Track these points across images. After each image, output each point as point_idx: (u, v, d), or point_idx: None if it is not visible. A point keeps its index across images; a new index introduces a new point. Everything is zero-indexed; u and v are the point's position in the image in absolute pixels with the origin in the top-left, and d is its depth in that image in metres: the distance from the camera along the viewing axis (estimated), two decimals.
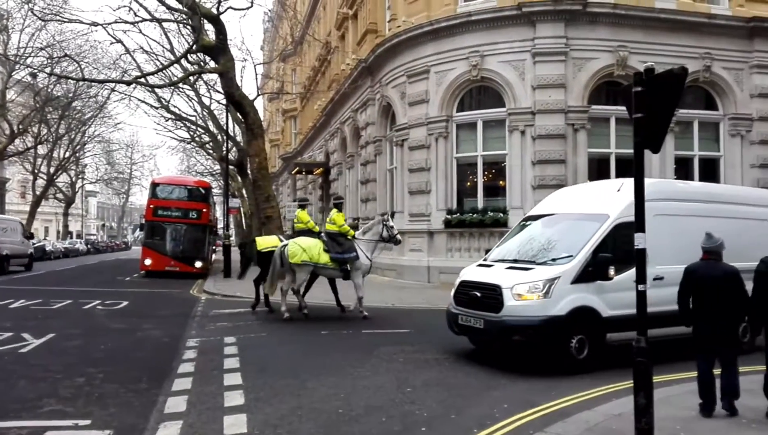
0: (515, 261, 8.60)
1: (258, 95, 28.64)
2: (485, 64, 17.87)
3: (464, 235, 18.06)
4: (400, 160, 20.47)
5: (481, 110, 18.62)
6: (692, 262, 6.46)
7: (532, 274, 8.00)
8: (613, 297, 7.90)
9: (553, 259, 8.19)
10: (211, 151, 42.92)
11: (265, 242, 12.97)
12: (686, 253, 7.69)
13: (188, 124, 39.73)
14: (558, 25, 17.22)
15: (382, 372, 7.63)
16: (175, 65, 26.05)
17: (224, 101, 25.18)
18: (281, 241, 12.66)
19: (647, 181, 9.79)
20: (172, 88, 30.26)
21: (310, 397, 6.45)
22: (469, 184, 19.04)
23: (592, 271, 7.88)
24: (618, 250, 8.01)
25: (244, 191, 41.70)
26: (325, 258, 11.71)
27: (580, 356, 7.83)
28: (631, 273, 6.75)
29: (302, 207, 13.09)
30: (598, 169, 18.09)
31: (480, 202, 18.22)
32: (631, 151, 5.11)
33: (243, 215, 48.67)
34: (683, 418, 5.72)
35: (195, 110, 38.80)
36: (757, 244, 8.67)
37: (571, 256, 8.03)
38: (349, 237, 12.10)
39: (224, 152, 30.08)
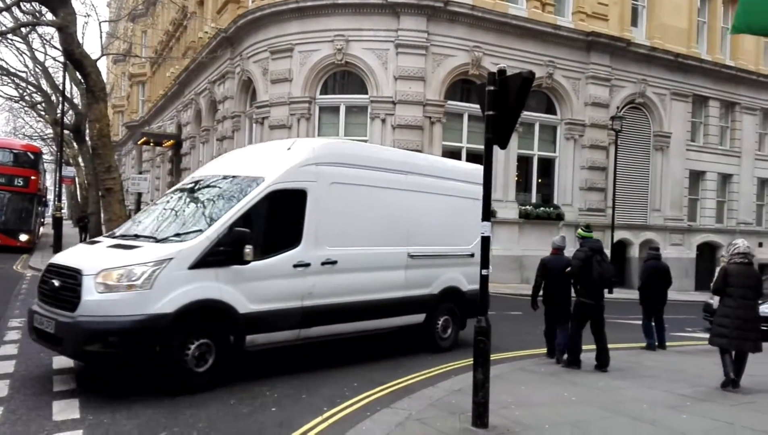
0: (136, 236, 6.44)
1: (102, 55, 26.12)
2: (350, 49, 17.96)
3: None
4: (260, 139, 19.93)
5: (345, 95, 18.71)
6: (376, 243, 7.36)
7: (133, 254, 5.76)
8: (258, 287, 6.17)
9: (177, 235, 6.13)
10: (43, 113, 38.49)
11: None
12: (370, 233, 7.27)
13: (17, 81, 35.23)
14: (420, 19, 17.78)
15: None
16: (5, 13, 22.92)
17: (62, 59, 22.68)
18: None
19: (314, 140, 9.35)
20: (0, 38, 26.61)
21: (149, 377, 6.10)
22: None
23: (226, 252, 5.91)
24: (271, 225, 6.51)
25: (80, 159, 38.00)
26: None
27: (200, 368, 5.80)
28: (288, 256, 6.46)
29: None
30: None
31: None
32: (481, 146, 5.44)
33: (79, 186, 44.48)
34: (513, 392, 6.27)
35: (26, 65, 34.45)
36: (466, 225, 8.40)
37: (200, 230, 6.03)
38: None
39: (59, 115, 27.17)
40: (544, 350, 8.56)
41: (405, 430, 4.98)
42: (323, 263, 6.77)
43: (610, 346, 7.85)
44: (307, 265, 6.61)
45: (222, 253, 5.93)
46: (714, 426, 5.52)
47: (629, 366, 8.11)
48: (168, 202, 7.25)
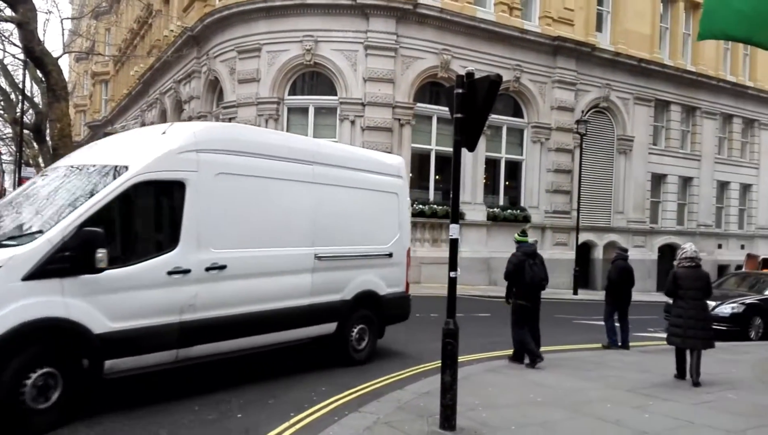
0: None
1: (64, 53, 25.43)
2: (319, 50, 17.87)
3: None
4: None
5: (314, 96, 18.60)
6: (275, 244, 6.43)
7: None
8: (120, 300, 5.11)
9: (12, 238, 4.97)
10: (1, 112, 37.29)
11: None
12: (267, 232, 6.39)
13: None
14: (390, 21, 17.81)
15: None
16: None
17: (22, 56, 22.02)
18: None
19: (196, 123, 8.16)
20: None
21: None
22: None
23: (73, 259, 4.80)
24: (137, 224, 5.60)
25: (40, 160, 36.82)
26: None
27: (42, 405, 4.67)
28: (161, 261, 5.41)
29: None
30: (420, 163, 19.15)
31: None
32: (450, 148, 5.45)
33: None
34: (481, 394, 6.29)
35: None
36: (383, 223, 7.91)
37: (40, 232, 4.90)
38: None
39: (18, 114, 26.37)
40: (512, 351, 8.61)
41: (373, 434, 4.95)
42: (208, 269, 5.72)
43: (574, 346, 8.06)
44: (187, 271, 5.55)
45: (68, 260, 4.76)
46: (676, 425, 5.64)
47: (594, 367, 8.22)
48: (12, 199, 6.02)
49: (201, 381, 6.37)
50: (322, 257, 7.02)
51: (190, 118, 22.46)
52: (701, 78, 24.40)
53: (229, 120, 19.31)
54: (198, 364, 6.04)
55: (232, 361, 6.83)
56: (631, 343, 10.21)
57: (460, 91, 5.12)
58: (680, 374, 7.47)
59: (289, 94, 18.55)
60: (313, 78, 18.85)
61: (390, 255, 8.02)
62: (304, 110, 18.47)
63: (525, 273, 7.97)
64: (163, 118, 26.90)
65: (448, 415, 5.04)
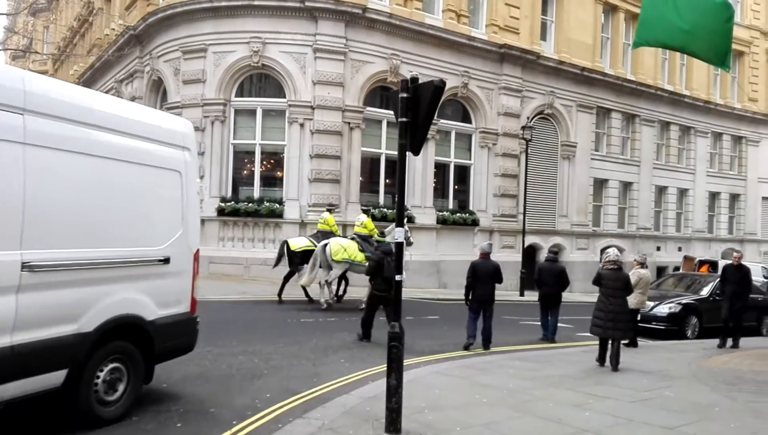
0: None
1: None
2: (267, 52, 17.64)
3: (238, 224, 17.63)
4: None
5: (262, 98, 18.34)
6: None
7: None
8: None
9: None
10: None
11: (297, 243, 13.91)
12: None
13: None
14: (339, 24, 17.76)
15: None
16: None
17: None
18: (311, 241, 13.75)
19: None
20: None
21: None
22: (245, 172, 18.63)
23: None
24: None
25: None
26: (360, 257, 12.87)
27: None
28: None
29: (330, 211, 14.70)
30: (370, 167, 19.16)
31: (257, 192, 17.95)
32: None
33: None
34: (427, 396, 6.31)
35: None
36: (154, 213, 5.61)
37: None
38: (374, 239, 13.47)
39: None
40: (460, 352, 8.77)
41: None
42: None
43: (520, 347, 8.30)
44: None
45: None
46: (615, 422, 5.80)
47: (538, 367, 8.40)
48: None
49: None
50: (37, 267, 4.47)
51: None
52: (641, 87, 25.36)
53: None
54: None
55: (168, 365, 6.62)
56: (576, 343, 10.53)
57: (404, 95, 5.14)
58: (601, 361, 8.55)
59: (236, 96, 18.23)
60: (261, 80, 18.59)
61: (166, 260, 5.65)
62: (251, 112, 18.19)
63: (384, 269, 9.39)
64: None
65: (393, 418, 5.03)
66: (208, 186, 17.86)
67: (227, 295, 13.86)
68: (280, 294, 13.54)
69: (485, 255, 10.06)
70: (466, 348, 9.49)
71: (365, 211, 14.60)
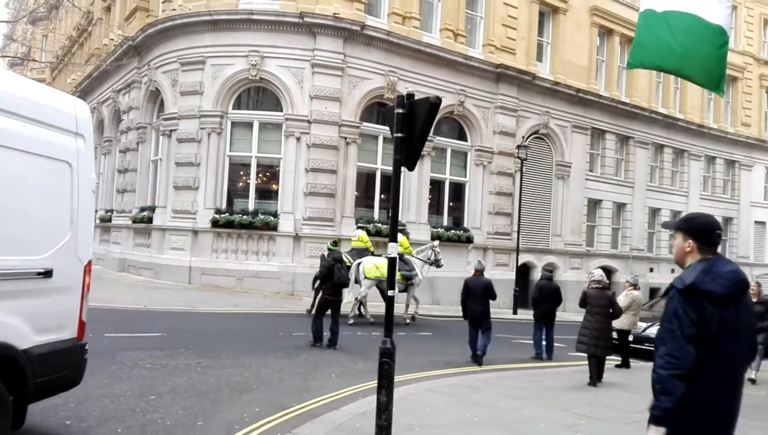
0: None
1: None
2: (265, 66, 17.72)
3: (232, 236, 17.58)
4: (167, 152, 19.17)
5: (259, 111, 18.39)
6: None
7: None
8: None
9: None
10: None
11: None
12: None
13: None
14: (337, 40, 17.88)
15: (124, 379, 6.97)
16: None
17: None
18: (347, 259, 13.74)
19: None
20: None
21: (31, 408, 5.57)
22: (241, 184, 18.61)
23: None
24: None
25: None
26: (396, 275, 12.68)
27: None
28: None
29: (362, 228, 15.62)
30: (366, 182, 19.19)
31: (251, 204, 17.93)
32: None
33: None
34: (418, 414, 6.26)
35: None
36: (30, 213, 4.32)
37: None
38: (407, 257, 14.22)
39: None
40: (450, 370, 8.72)
41: None
42: None
43: (512, 365, 8.24)
44: None
45: None
46: None
47: (530, 385, 8.36)
48: None
49: (125, 402, 6.06)
50: None
51: (128, 129, 21.80)
52: (635, 109, 25.58)
53: (170, 132, 18.86)
54: (123, 381, 5.76)
55: (158, 377, 6.56)
56: (568, 362, 10.49)
57: (400, 111, 5.16)
58: (592, 381, 8.77)
59: (234, 109, 18.28)
60: (258, 93, 18.66)
61: (47, 274, 4.44)
62: (248, 125, 18.22)
63: (334, 274, 10.16)
64: (100, 128, 25.98)
65: None
66: (203, 198, 17.84)
67: (219, 308, 13.78)
68: (312, 308, 13.62)
69: (478, 272, 10.45)
70: (475, 361, 9.92)
71: (401, 231, 15.39)
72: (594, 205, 24.87)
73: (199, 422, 5.66)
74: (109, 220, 23.14)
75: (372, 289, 13.72)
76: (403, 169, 5.32)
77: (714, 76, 7.13)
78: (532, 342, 11.36)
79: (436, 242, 16.11)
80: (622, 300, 10.68)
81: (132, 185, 21.36)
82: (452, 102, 19.78)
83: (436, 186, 20.40)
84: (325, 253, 14.20)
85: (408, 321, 14.11)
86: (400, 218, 18.90)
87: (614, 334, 9.81)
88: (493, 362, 10.08)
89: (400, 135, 5.13)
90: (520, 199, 20.37)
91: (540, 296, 11.29)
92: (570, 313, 19.17)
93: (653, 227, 27.18)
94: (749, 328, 2.91)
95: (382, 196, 19.15)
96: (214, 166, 17.91)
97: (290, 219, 17.48)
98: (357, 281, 13.50)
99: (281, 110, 17.93)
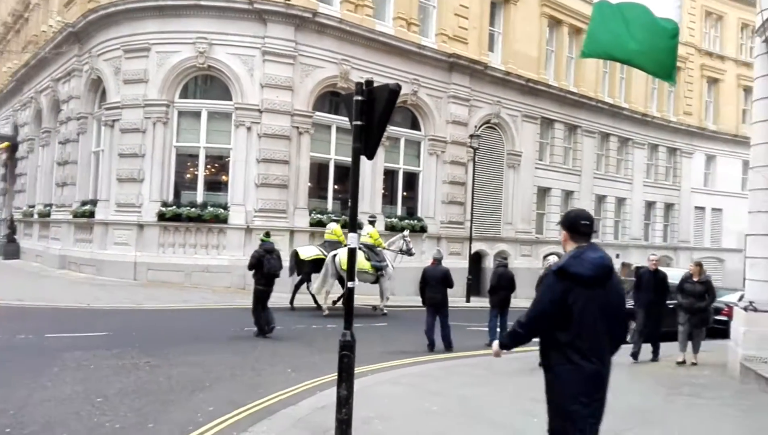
0: None
1: None
2: (213, 53, 17.18)
3: (180, 229, 17.04)
4: (109, 143, 18.39)
5: (207, 100, 17.84)
6: None
7: None
8: None
9: None
10: None
11: (307, 252, 14.47)
12: None
13: None
14: (288, 28, 17.50)
15: (68, 381, 6.62)
16: None
17: None
18: (321, 250, 14.31)
19: None
20: None
21: None
22: (189, 176, 18.05)
23: None
24: None
25: None
26: (367, 266, 13.85)
27: None
28: None
29: (336, 221, 15.71)
30: (318, 173, 18.93)
31: (200, 196, 17.41)
32: (349, 158, 5.33)
33: None
34: (377, 406, 6.18)
35: None
36: None
37: None
38: (378, 249, 14.56)
39: None
40: (407, 360, 8.69)
41: None
42: None
43: (468, 353, 8.31)
44: None
45: None
46: None
47: (485, 373, 8.41)
48: None
49: (70, 405, 5.74)
50: None
51: (68, 120, 20.84)
52: (582, 99, 26.14)
53: (113, 122, 18.11)
54: (67, 384, 5.45)
55: (104, 378, 6.27)
56: (525, 349, 10.59)
57: (359, 98, 5.02)
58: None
59: (180, 98, 17.67)
60: (206, 81, 18.10)
61: None
62: (196, 114, 17.66)
63: (264, 265, 10.27)
64: (38, 118, 24.76)
65: (343, 430, 4.88)
66: (148, 190, 17.23)
67: (167, 304, 13.36)
68: (291, 301, 14.13)
69: (436, 261, 10.70)
70: (431, 350, 10.14)
71: (371, 222, 15.47)
72: (543, 193, 25.35)
73: (150, 424, 5.42)
74: (48, 214, 22.11)
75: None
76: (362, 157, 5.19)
77: (666, 67, 7.30)
78: (486, 329, 11.46)
79: (407, 232, 16.36)
80: None
81: (72, 178, 20.44)
82: (406, 91, 19.69)
83: (389, 176, 20.33)
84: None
85: (385, 312, 14.37)
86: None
87: None
88: (446, 351, 10.12)
89: (359, 123, 4.99)
90: (473, 188, 20.54)
91: (498, 283, 11.44)
92: (521, 299, 19.51)
93: (599, 214, 27.94)
94: (618, 306, 3.50)
95: (336, 186, 18.96)
96: (160, 158, 17.30)
97: (241, 211, 17.09)
98: (335, 275, 13.50)
99: (231, 99, 17.45)
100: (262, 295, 10.37)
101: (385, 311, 14.52)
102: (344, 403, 4.87)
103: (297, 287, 14.57)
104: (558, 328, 3.33)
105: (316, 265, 14.03)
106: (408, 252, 15.48)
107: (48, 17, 23.68)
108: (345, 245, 14.50)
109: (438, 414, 6.12)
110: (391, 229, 19.51)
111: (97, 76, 19.05)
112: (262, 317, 10.27)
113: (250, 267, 10.53)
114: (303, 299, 14.27)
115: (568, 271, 3.31)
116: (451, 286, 10.51)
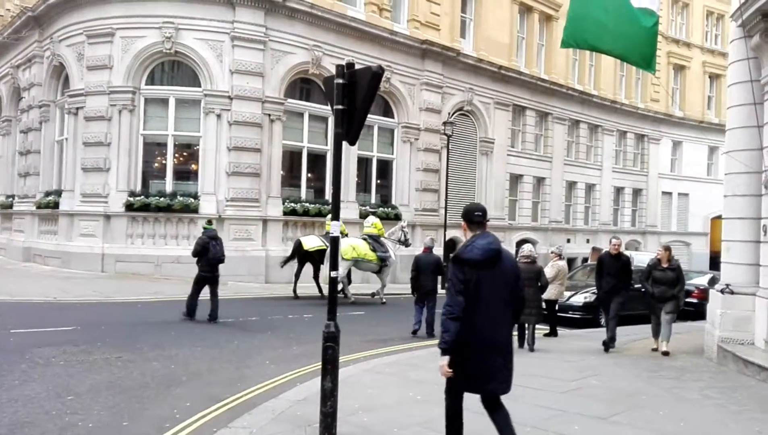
0: None
1: None
2: (180, 38, 16.68)
3: (149, 220, 16.61)
4: (73, 131, 17.77)
5: (175, 87, 17.35)
6: None
7: None
8: None
9: None
10: None
11: (310, 243, 14.69)
12: None
13: None
14: (258, 12, 17.09)
15: (36, 379, 6.34)
16: None
17: None
18: (323, 241, 14.37)
19: None
20: None
21: None
22: (157, 165, 17.58)
23: None
24: None
25: None
26: (372, 256, 14.29)
27: None
28: None
29: (374, 213, 16.20)
30: (290, 161, 18.64)
31: (169, 186, 16.97)
32: (322, 146, 5.22)
33: None
34: (361, 397, 6.07)
35: None
36: None
37: None
38: (382, 239, 14.84)
39: None
40: (388, 348, 8.61)
41: None
42: None
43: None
44: None
45: None
46: (549, 414, 5.80)
47: None
48: None
49: (40, 404, 5.49)
50: None
51: (30, 108, 20.09)
52: (553, 86, 26.29)
53: (76, 110, 17.50)
54: (35, 382, 5.20)
55: (74, 375, 6.02)
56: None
57: (341, 81, 4.84)
58: (520, 343, 9.23)
59: (147, 84, 17.15)
60: (173, 68, 17.59)
61: None
62: (163, 101, 17.17)
63: (209, 251, 10.48)
64: None
65: (328, 423, 4.74)
66: (115, 180, 16.74)
67: (137, 297, 13.02)
68: (294, 290, 14.56)
69: (428, 249, 10.92)
70: (414, 333, 10.34)
71: (373, 213, 16.17)
72: (515, 179, 25.49)
73: (125, 422, 5.21)
74: (11, 206, 21.36)
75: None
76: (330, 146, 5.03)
77: (645, 55, 7.31)
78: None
79: (405, 222, 16.60)
80: (548, 271, 10.93)
81: (35, 168, 19.75)
82: None
83: (363, 163, 20.16)
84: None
85: (384, 301, 14.55)
86: (327, 197, 18.65)
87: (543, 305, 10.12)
88: (427, 338, 10.07)
89: (341, 107, 4.82)
90: (447, 176, 20.50)
91: (416, 269, 11.72)
92: None
93: (570, 200, 28.28)
94: (508, 284, 4.03)
95: (309, 175, 18.71)
96: (126, 146, 16.80)
97: (212, 200, 16.74)
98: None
99: (199, 86, 17.02)
100: (205, 281, 10.59)
101: (384, 300, 14.62)
102: (329, 396, 4.74)
103: (297, 276, 14.82)
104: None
105: (320, 254, 14.34)
106: (405, 242, 15.69)
107: (6, 1, 22.72)
108: (385, 237, 15.16)
109: (423, 403, 6.04)
110: (365, 216, 19.36)
111: (60, 63, 18.37)
112: (210, 304, 10.49)
113: (195, 254, 10.65)
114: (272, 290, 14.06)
115: (461, 257, 3.93)
116: (442, 273, 10.75)
